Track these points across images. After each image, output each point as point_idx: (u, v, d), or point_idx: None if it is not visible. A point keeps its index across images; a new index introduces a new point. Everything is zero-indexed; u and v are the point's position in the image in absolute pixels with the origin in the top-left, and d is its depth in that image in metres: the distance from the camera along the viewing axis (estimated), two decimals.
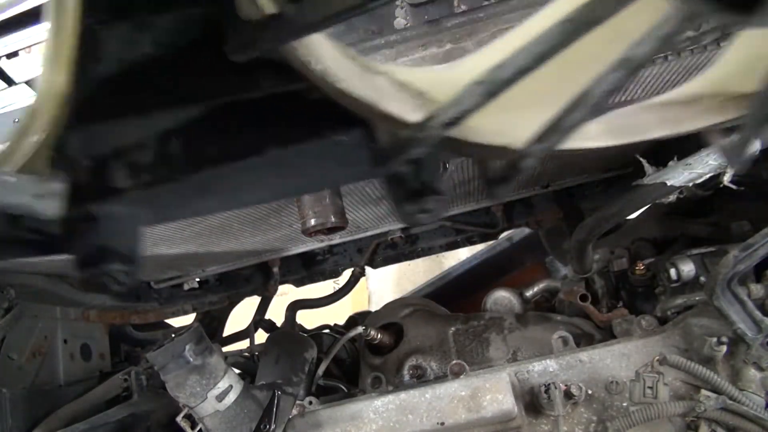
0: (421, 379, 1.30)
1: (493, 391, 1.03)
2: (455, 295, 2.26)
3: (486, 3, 0.85)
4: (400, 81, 0.50)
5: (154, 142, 0.53)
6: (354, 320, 1.76)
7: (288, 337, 1.47)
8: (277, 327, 1.72)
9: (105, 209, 0.51)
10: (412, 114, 0.48)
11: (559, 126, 0.42)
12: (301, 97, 0.50)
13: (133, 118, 0.51)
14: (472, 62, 0.51)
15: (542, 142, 0.45)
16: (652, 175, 0.98)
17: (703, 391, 0.96)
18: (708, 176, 0.97)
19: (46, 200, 0.43)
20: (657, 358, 0.97)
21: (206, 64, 0.48)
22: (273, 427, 1.08)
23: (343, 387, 1.39)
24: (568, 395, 1.02)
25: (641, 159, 0.98)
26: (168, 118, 0.52)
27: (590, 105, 0.40)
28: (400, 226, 1.52)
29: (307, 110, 0.51)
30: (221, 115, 0.52)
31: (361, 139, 0.53)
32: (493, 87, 0.40)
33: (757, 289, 1.04)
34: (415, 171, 0.52)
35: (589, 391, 1.04)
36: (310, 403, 1.20)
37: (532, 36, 0.38)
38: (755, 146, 0.88)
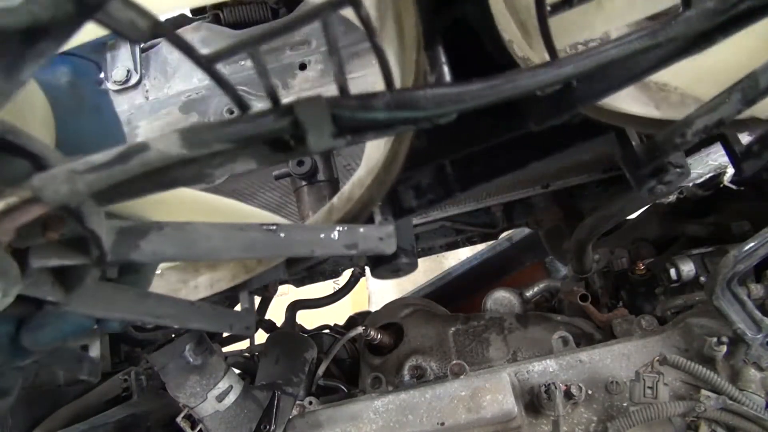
0: (421, 379, 1.30)
1: (493, 392, 1.03)
2: (455, 295, 2.26)
3: None
4: None
5: (431, 166, 0.62)
6: (354, 320, 1.76)
7: (288, 337, 1.47)
8: (277, 327, 1.72)
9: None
10: (653, 110, 0.52)
11: None
12: None
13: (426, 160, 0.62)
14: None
15: None
16: None
17: (703, 391, 0.95)
18: (708, 176, 0.98)
19: (386, 241, 0.50)
20: (657, 358, 0.97)
21: (497, 114, 0.55)
22: (273, 427, 1.08)
23: (343, 387, 1.39)
24: (568, 395, 1.02)
25: None
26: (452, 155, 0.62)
27: None
28: None
29: (564, 127, 0.56)
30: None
31: (609, 142, 0.59)
32: (751, 95, 0.41)
33: (757, 289, 1.04)
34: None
35: (589, 391, 1.04)
36: (310, 403, 1.20)
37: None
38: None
